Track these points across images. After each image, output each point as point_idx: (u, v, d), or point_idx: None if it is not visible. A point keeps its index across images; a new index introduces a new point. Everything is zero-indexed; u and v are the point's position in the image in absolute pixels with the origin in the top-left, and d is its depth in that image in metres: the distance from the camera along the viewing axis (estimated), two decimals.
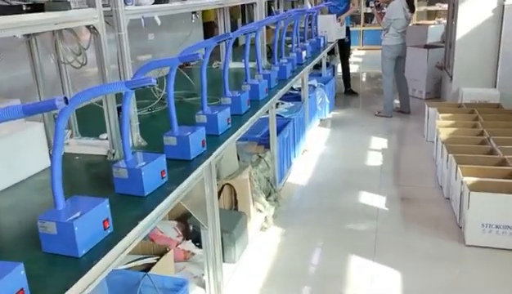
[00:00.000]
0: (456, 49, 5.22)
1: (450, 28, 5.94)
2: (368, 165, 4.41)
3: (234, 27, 7.50)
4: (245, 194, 2.87)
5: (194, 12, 3.44)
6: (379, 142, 4.97)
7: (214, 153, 2.25)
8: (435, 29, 7.32)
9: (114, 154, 2.20)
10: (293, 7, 10.87)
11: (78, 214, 1.39)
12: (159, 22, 2.54)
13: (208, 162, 2.19)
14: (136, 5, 2.43)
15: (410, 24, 5.93)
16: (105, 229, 1.47)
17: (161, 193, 1.82)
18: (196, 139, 2.19)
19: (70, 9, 1.91)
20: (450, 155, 3.48)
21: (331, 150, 4.84)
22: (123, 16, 2.20)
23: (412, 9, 5.59)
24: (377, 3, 6.22)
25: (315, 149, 4.80)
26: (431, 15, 10.76)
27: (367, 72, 9.40)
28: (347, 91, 7.09)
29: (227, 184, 2.88)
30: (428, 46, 6.70)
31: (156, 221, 1.73)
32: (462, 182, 3.07)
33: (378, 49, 11.06)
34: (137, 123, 2.37)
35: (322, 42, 5.90)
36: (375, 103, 6.54)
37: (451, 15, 5.85)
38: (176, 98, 3.47)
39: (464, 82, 5.10)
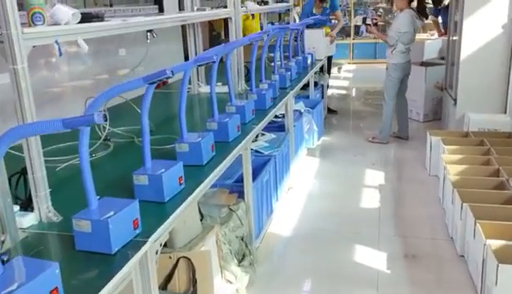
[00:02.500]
0: (461, 69, 4.62)
1: (451, 45, 5.35)
2: (364, 207, 3.75)
3: (216, 41, 6.85)
4: (207, 270, 2.19)
5: (150, 31, 2.77)
6: (375, 176, 4.33)
7: (152, 238, 1.58)
8: (432, 45, 6.73)
9: (3, 242, 1.52)
10: (279, 20, 10.33)
11: None
12: (85, 48, 1.87)
13: (143, 252, 1.51)
14: (50, 24, 1.77)
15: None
16: None
17: None
18: (124, 219, 1.51)
19: None
20: (465, 205, 2.84)
21: (320, 187, 4.18)
22: (19, 43, 1.53)
23: (425, 16, 4.98)
24: (374, 21, 5.57)
25: (301, 185, 4.14)
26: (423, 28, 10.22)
27: (357, 87, 8.82)
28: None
29: (184, 257, 2.20)
30: (425, 64, 6.10)
31: None
32: (485, 246, 2.43)
33: (369, 63, 10.64)
34: (47, 191, 1.68)
35: (310, 59, 5.28)
36: (368, 125, 5.92)
37: (453, 30, 5.27)
38: (126, 138, 2.82)
39: (471, 107, 4.49)
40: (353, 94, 8.49)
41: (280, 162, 3.55)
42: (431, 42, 6.85)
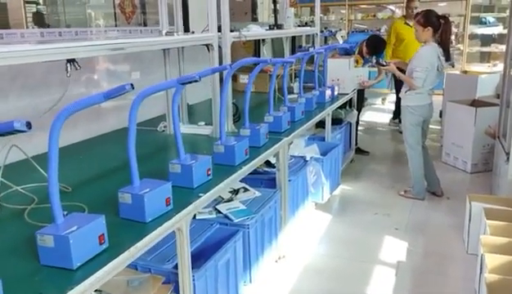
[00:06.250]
0: None
1: (507, 81, 4.32)
2: None
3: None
4: None
5: (71, 61, 2.12)
6: (396, 248, 3.39)
7: None
8: (487, 79, 5.65)
9: None
10: (326, 43, 9.57)
11: None
12: None
13: None
14: None
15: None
16: None
17: None
18: None
19: None
20: None
21: (321, 258, 3.31)
22: None
23: (449, 57, 4.02)
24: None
25: (298, 253, 3.29)
26: (484, 57, 9.04)
27: (395, 122, 7.73)
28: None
29: None
30: (476, 103, 5.06)
31: None
32: None
33: None
34: None
35: (330, 94, 4.47)
36: (402, 174, 4.95)
37: (510, 63, 4.24)
38: (24, 203, 2.05)
39: None
40: (390, 129, 7.44)
41: (259, 232, 2.74)
42: (486, 76, 5.77)
